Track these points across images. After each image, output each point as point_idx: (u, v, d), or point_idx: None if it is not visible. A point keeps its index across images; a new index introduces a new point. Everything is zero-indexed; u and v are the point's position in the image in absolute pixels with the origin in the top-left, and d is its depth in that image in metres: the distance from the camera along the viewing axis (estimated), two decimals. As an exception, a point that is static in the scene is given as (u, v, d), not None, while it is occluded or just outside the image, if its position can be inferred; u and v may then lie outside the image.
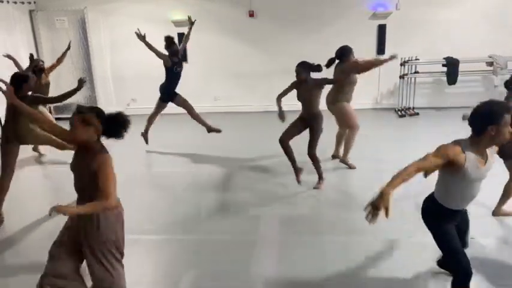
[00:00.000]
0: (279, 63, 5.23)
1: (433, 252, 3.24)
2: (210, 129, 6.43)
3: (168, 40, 6.13)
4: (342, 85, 5.36)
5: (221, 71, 6.05)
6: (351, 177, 5.38)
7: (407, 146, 6.78)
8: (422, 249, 3.57)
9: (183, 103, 6.39)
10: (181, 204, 4.80)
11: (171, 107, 8.32)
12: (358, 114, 8.51)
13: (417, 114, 8.56)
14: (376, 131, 7.22)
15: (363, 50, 8.92)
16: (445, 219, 2.65)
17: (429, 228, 2.73)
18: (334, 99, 5.46)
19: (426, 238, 3.78)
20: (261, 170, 5.70)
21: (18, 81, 4.32)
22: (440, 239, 2.65)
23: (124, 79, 9.31)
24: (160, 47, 9.13)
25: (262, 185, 5.21)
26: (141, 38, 5.96)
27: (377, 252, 3.63)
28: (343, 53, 5.41)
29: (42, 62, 6.21)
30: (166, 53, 6.17)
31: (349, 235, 3.95)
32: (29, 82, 4.37)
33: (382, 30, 8.69)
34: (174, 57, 6.15)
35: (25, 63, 8.68)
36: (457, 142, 2.48)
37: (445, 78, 8.53)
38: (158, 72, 9.13)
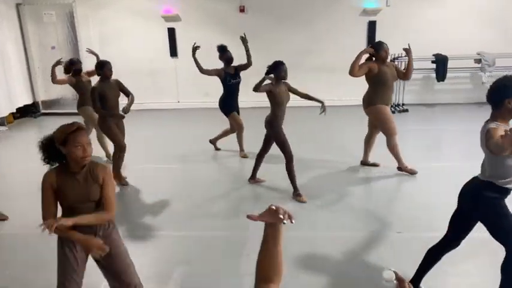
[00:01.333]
0: (269, 58, 5.19)
1: (422, 246, 3.28)
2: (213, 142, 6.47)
3: (221, 49, 5.82)
4: (375, 87, 5.06)
5: (211, 66, 5.99)
6: (341, 174, 5.40)
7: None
8: (411, 244, 3.63)
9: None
10: (173, 201, 4.78)
11: (163, 103, 8.29)
12: (349, 111, 8.56)
13: (406, 110, 8.63)
14: (365, 128, 7.24)
15: (354, 46, 8.97)
16: (503, 202, 2.65)
17: (490, 215, 2.65)
18: (368, 101, 5.18)
19: (415, 233, 3.84)
20: (252, 166, 5.69)
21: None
22: (506, 220, 2.61)
23: (113, 74, 9.20)
24: (153, 41, 9.13)
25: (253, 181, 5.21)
26: (193, 53, 5.70)
27: (368, 247, 3.66)
28: (375, 48, 5.04)
29: (80, 62, 6.24)
30: (221, 64, 5.87)
31: (339, 231, 3.98)
32: (104, 68, 5.21)
33: (372, 26, 8.72)
34: (229, 66, 5.82)
35: (12, 58, 8.59)
36: (490, 127, 2.52)
37: (434, 75, 8.60)
38: (148, 68, 9.13)
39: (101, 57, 9.31)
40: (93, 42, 9.11)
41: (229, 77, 5.79)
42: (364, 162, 5.57)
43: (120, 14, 8.95)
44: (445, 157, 5.94)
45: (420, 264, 2.98)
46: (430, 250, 2.96)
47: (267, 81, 4.54)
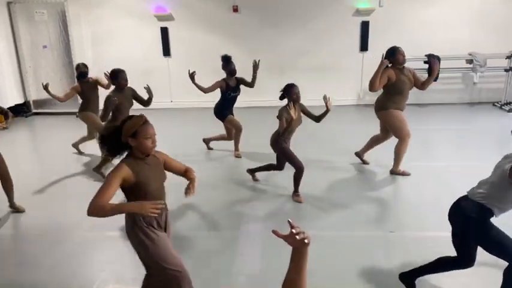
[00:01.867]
0: (262, 59, 5.22)
1: (415, 245, 3.31)
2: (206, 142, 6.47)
3: (225, 59, 5.74)
4: (390, 94, 4.97)
5: (204, 66, 5.98)
6: (335, 174, 5.39)
7: (389, 142, 6.87)
8: (404, 243, 3.64)
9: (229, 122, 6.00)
10: (167, 200, 4.74)
11: (156, 102, 8.16)
12: (342, 111, 8.58)
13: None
14: (359, 128, 7.28)
15: (347, 46, 9.02)
16: (489, 221, 2.65)
17: (482, 237, 2.65)
18: (381, 106, 5.09)
19: (406, 232, 3.86)
20: (246, 166, 5.69)
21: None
22: (498, 237, 2.62)
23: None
24: (146, 40, 9.09)
25: (246, 181, 5.20)
26: (192, 80, 5.58)
27: (360, 247, 3.67)
28: (388, 54, 4.98)
29: (85, 66, 6.16)
30: (223, 74, 5.78)
31: (330, 230, 3.98)
32: (118, 78, 4.93)
33: (365, 26, 8.75)
34: (231, 78, 5.74)
35: (3, 57, 8.51)
36: None
37: (426, 75, 8.61)
38: (141, 68, 9.08)
39: (93, 57, 9.30)
40: (85, 41, 9.07)
41: (230, 91, 5.77)
42: (358, 155, 5.59)
43: (113, 13, 8.90)
44: (438, 157, 5.97)
45: (425, 265, 2.94)
46: (442, 260, 2.88)
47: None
